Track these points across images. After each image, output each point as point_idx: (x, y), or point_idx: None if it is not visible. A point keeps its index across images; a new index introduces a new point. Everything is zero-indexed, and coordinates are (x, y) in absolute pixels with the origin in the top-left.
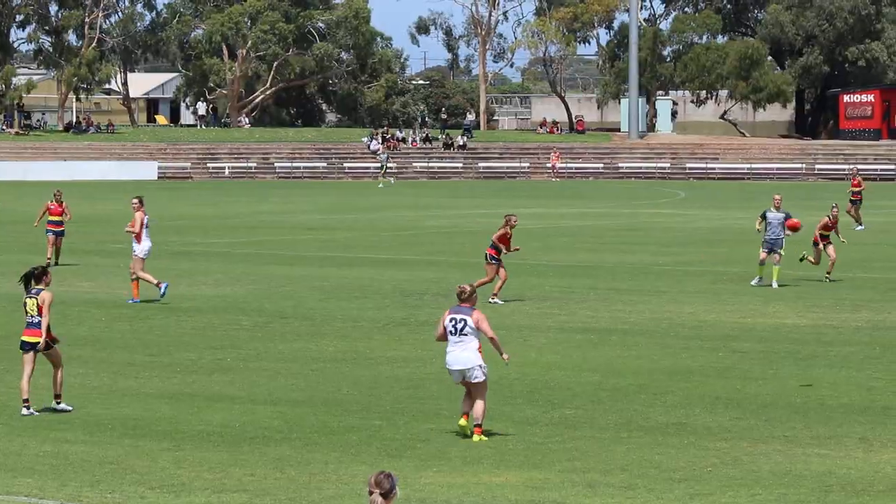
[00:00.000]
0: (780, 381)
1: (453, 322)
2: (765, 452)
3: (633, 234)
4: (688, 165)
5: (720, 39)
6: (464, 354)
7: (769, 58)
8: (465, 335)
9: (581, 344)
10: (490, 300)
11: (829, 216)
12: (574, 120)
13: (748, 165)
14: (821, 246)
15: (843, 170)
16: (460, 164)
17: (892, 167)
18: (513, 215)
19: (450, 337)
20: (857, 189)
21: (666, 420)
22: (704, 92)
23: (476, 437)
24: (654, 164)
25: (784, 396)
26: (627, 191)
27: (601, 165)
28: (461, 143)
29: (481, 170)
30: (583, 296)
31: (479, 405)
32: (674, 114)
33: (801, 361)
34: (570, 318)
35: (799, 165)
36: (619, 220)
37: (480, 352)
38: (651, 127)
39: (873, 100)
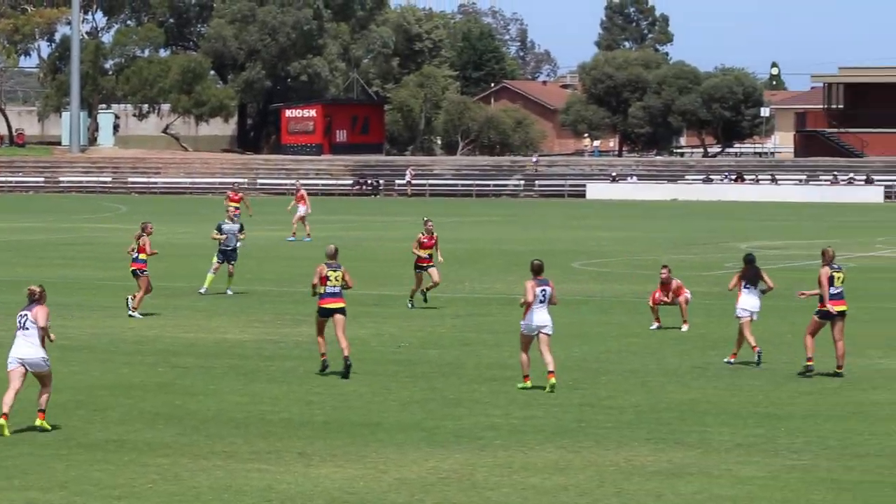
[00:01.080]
0: (222, 396)
1: (20, 319)
2: (205, 468)
3: (73, 249)
4: (130, 179)
5: (163, 53)
6: (26, 348)
7: (212, 72)
8: (28, 329)
9: None
10: (131, 313)
11: (422, 233)
12: (14, 133)
13: (190, 180)
14: (424, 272)
15: (286, 184)
16: None
17: (333, 182)
18: (148, 223)
19: (18, 331)
20: (236, 204)
21: (106, 436)
22: (147, 105)
23: (39, 422)
24: (95, 178)
25: (225, 412)
26: (68, 205)
27: (42, 179)
28: None
29: None
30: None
31: (45, 395)
32: (116, 127)
33: (242, 376)
34: (4, 334)
35: (241, 180)
36: (60, 234)
37: (44, 345)
38: (93, 140)
39: (315, 114)
